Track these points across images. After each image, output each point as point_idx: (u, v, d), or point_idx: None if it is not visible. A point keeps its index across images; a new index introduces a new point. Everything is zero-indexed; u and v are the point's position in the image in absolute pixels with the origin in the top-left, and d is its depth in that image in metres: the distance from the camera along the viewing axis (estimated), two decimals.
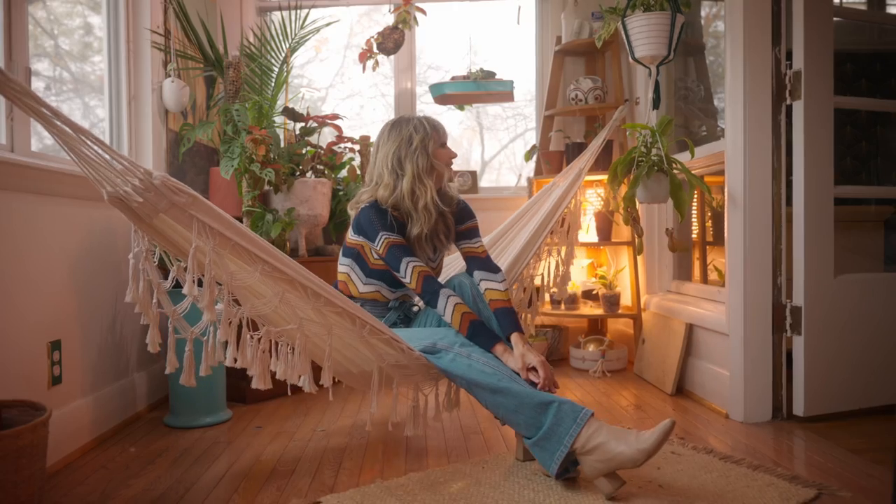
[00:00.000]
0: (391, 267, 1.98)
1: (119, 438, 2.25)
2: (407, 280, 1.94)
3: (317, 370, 1.81)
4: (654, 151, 2.45)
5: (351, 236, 2.10)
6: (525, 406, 1.73)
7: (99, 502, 1.73)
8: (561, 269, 2.59)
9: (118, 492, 1.79)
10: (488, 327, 1.92)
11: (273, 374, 1.75)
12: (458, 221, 2.14)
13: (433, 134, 2.03)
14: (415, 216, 2.01)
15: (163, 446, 2.17)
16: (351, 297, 2.06)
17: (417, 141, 2.01)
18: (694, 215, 3.23)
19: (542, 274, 2.57)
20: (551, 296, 2.62)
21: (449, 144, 2.13)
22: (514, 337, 1.90)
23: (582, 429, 1.66)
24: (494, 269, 2.09)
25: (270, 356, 1.75)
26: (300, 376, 1.77)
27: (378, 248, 1.98)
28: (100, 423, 2.23)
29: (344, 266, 2.12)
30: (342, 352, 1.89)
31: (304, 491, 1.80)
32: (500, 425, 2.38)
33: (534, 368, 1.82)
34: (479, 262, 2.09)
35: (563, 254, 2.59)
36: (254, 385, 1.74)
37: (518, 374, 1.83)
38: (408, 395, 2.04)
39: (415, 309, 2.17)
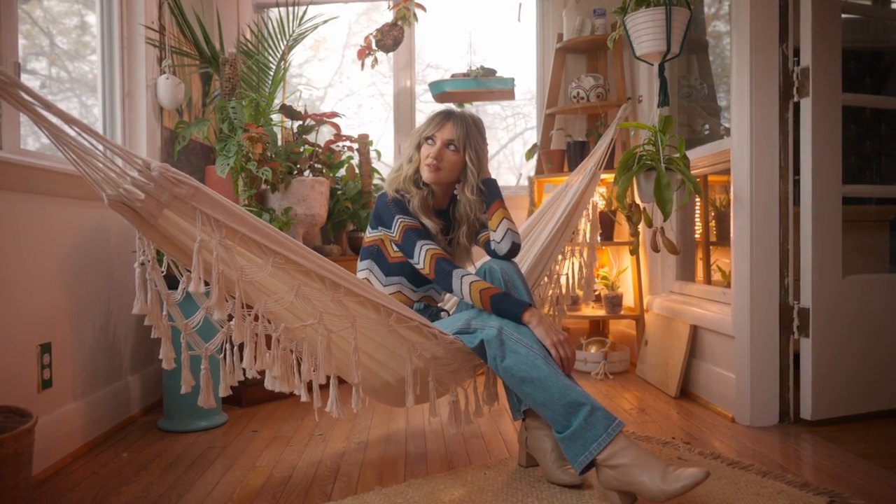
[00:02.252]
0: (406, 253, 1.92)
1: (111, 443, 2.20)
2: (421, 265, 1.88)
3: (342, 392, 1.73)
4: (659, 149, 2.41)
5: (369, 233, 2.05)
6: (553, 402, 1.65)
7: None
8: (585, 271, 2.54)
9: (110, 499, 1.74)
10: (513, 296, 1.83)
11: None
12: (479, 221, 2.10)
13: (423, 128, 2.01)
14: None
15: (156, 451, 2.12)
16: None
17: (416, 131, 2.05)
18: (697, 215, 3.19)
19: (567, 274, 2.52)
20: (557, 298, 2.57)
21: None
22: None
23: (610, 442, 1.59)
24: None
25: (292, 354, 1.68)
26: (330, 398, 1.69)
27: (395, 234, 1.93)
28: (91, 428, 2.18)
29: (362, 271, 2.06)
30: (373, 356, 1.80)
31: (300, 499, 1.75)
32: (499, 428, 2.33)
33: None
34: None
35: (585, 255, 2.54)
36: (277, 388, 1.66)
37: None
38: (447, 390, 1.94)
39: (442, 315, 2.10)
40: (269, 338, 1.64)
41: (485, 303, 1.80)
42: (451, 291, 1.86)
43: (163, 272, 1.53)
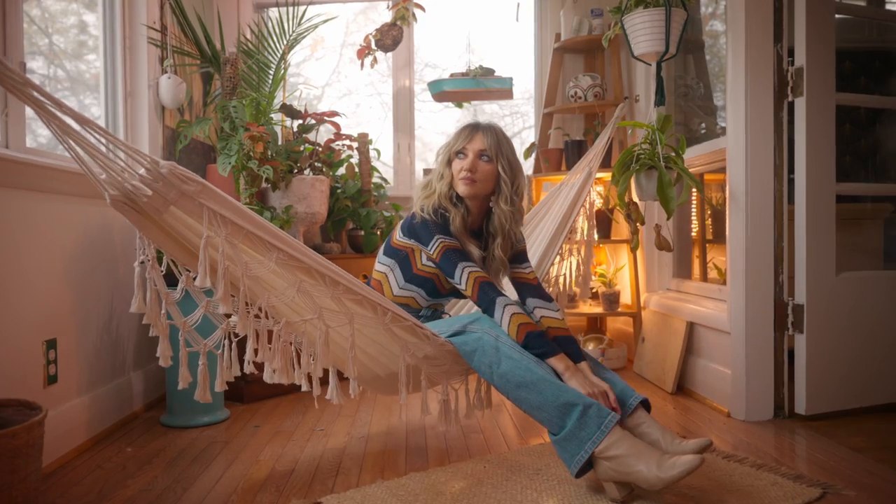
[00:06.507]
0: (445, 272, 1.91)
1: (115, 438, 2.23)
2: (462, 286, 1.87)
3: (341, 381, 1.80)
4: (657, 148, 2.45)
5: (399, 237, 2.02)
6: (548, 405, 1.68)
7: (95, 503, 1.70)
8: (582, 269, 2.58)
9: (115, 492, 1.77)
10: (546, 338, 1.82)
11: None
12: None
13: (452, 143, 1.98)
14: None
15: (160, 446, 2.15)
16: None
17: (443, 147, 2.01)
18: (693, 213, 3.22)
19: (564, 274, 2.56)
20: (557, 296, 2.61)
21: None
22: (583, 366, 1.84)
23: (605, 436, 1.61)
24: (548, 298, 2.03)
25: (291, 346, 1.73)
26: (329, 386, 1.76)
27: (432, 251, 1.91)
28: (96, 423, 2.20)
29: (383, 266, 2.05)
30: (366, 350, 1.85)
31: (303, 491, 1.78)
32: (498, 423, 2.36)
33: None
34: (531, 289, 2.04)
35: (582, 253, 2.58)
36: (276, 380, 1.71)
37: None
38: (437, 390, 1.99)
39: (442, 316, 2.13)
40: (269, 332, 1.69)
41: (520, 336, 1.79)
42: (491, 317, 1.86)
43: (162, 271, 1.57)
